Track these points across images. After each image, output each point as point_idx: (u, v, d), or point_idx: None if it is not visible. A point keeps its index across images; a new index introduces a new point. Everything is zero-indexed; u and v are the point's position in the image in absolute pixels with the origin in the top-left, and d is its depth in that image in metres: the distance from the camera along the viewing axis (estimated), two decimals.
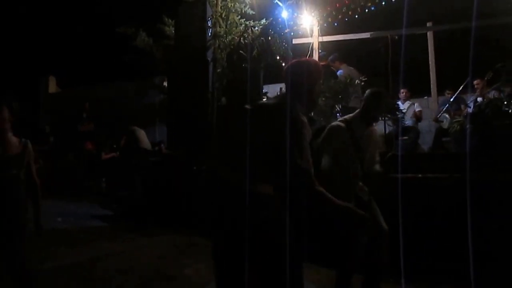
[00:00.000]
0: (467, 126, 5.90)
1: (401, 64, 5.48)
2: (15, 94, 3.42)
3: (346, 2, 8.44)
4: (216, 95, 7.57)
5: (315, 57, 8.32)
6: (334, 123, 3.61)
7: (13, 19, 15.59)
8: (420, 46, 8.89)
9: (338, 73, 7.58)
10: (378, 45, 7.50)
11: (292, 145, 2.12)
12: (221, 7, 7.75)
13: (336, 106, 6.65)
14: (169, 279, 4.34)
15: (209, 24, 7.77)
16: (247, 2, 7.82)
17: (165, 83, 9.11)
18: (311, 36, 8.72)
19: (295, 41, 8.93)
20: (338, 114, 6.53)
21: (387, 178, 3.89)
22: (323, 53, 8.56)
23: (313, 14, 8.65)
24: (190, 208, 6.23)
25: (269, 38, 8.11)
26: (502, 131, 5.30)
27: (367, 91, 3.84)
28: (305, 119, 2.25)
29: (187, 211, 6.27)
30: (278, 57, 8.03)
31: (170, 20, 8.51)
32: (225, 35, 7.77)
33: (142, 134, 8.09)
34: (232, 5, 7.79)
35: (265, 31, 8.05)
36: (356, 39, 8.92)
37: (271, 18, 8.08)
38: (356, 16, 8.51)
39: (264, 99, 2.36)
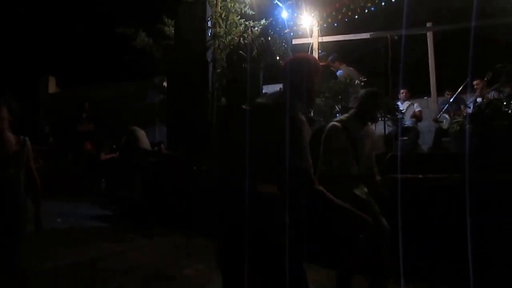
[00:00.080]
0: (467, 126, 5.90)
1: (401, 65, 5.49)
2: (14, 94, 3.41)
3: (346, 2, 8.45)
4: (216, 95, 7.57)
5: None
6: (330, 124, 3.62)
7: (13, 19, 15.59)
8: (419, 46, 8.89)
9: (338, 73, 7.58)
10: (378, 46, 7.50)
11: (291, 145, 2.12)
12: (221, 7, 7.76)
13: (336, 106, 6.65)
14: (169, 279, 4.35)
15: (208, 24, 7.77)
16: (247, 2, 7.82)
17: (165, 83, 9.11)
18: (311, 36, 8.73)
19: (295, 42, 8.94)
20: (337, 115, 6.52)
21: (386, 182, 3.89)
22: (322, 53, 8.56)
23: (312, 14, 8.66)
24: (190, 208, 6.22)
25: (269, 38, 8.12)
26: (501, 131, 5.30)
27: (362, 91, 3.85)
28: (304, 118, 2.25)
29: (187, 211, 6.27)
30: (278, 58, 8.03)
31: (170, 20, 8.51)
32: (225, 35, 7.77)
33: (142, 134, 8.09)
34: (232, 5, 7.79)
35: (265, 31, 8.05)
36: (356, 39, 8.93)
37: (271, 19, 8.09)
38: (356, 17, 8.51)
39: (262, 98, 2.35)
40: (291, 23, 8.77)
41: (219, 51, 7.74)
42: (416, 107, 8.26)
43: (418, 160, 5.47)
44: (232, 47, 7.84)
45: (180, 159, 6.90)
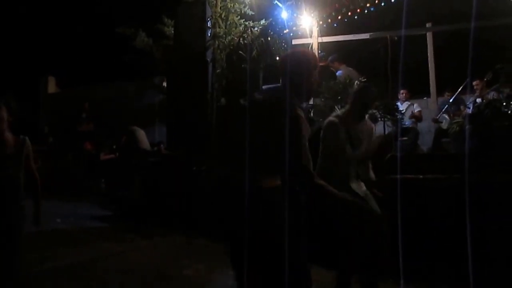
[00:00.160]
0: (467, 127, 5.90)
1: (401, 65, 5.49)
2: (14, 94, 3.42)
3: (346, 2, 8.45)
4: (215, 95, 7.58)
5: None
6: (328, 120, 3.62)
7: (13, 19, 15.58)
8: (419, 47, 8.89)
9: (338, 73, 7.58)
10: (378, 46, 7.49)
11: (289, 142, 2.13)
12: (220, 8, 7.76)
13: (336, 106, 6.64)
14: (169, 279, 4.35)
15: (208, 25, 7.77)
16: (246, 2, 7.83)
17: (165, 83, 9.12)
18: (311, 36, 8.72)
19: (294, 42, 8.93)
20: None
21: (384, 182, 3.89)
22: (322, 53, 8.56)
23: (312, 14, 8.65)
24: (190, 208, 6.23)
25: (269, 38, 8.12)
26: (501, 132, 5.31)
27: (355, 87, 3.85)
28: (302, 113, 2.26)
29: (187, 211, 6.27)
30: (277, 58, 8.02)
31: (169, 21, 8.52)
32: (224, 36, 7.78)
33: (141, 134, 8.09)
34: (232, 5, 7.80)
35: (264, 31, 8.06)
36: (356, 39, 8.92)
37: (271, 19, 8.09)
38: (356, 17, 8.52)
39: (260, 93, 2.35)
40: (291, 23, 8.77)
41: (218, 51, 7.75)
42: (416, 108, 8.26)
43: (417, 160, 5.48)
44: (231, 47, 7.85)
45: (180, 159, 6.91)
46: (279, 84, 2.52)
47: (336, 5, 8.54)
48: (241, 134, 2.19)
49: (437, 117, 7.91)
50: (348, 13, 8.49)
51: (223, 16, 7.79)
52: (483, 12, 6.55)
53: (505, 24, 7.50)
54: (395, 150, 6.12)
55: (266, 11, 8.21)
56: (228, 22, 7.84)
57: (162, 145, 8.78)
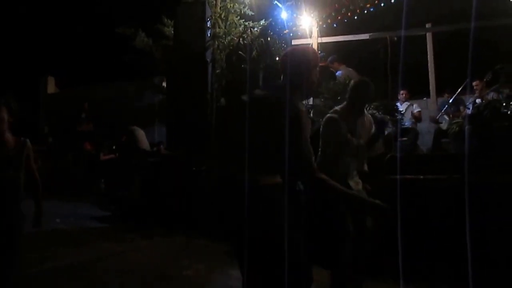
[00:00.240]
0: (466, 127, 5.90)
1: (400, 65, 5.49)
2: (14, 94, 3.41)
3: (345, 3, 8.45)
4: (215, 95, 7.58)
5: None
6: (326, 116, 3.63)
7: (12, 19, 15.58)
8: (419, 47, 8.89)
9: (337, 74, 7.59)
10: (377, 46, 7.51)
11: (292, 134, 2.14)
12: (220, 8, 7.77)
13: (335, 107, 6.64)
14: (169, 279, 4.35)
15: (208, 25, 7.78)
16: (246, 3, 7.83)
17: (164, 84, 9.12)
18: (310, 37, 8.72)
19: (294, 42, 8.92)
20: None
21: (382, 182, 3.90)
22: (322, 54, 8.56)
23: (312, 15, 8.65)
24: (190, 208, 6.23)
25: (268, 39, 8.12)
26: (501, 132, 5.31)
27: (352, 82, 3.86)
28: (304, 108, 2.27)
29: (187, 211, 6.28)
30: (277, 58, 8.02)
31: (169, 21, 8.52)
32: (224, 36, 7.78)
33: (141, 135, 8.10)
34: (232, 5, 7.80)
35: (264, 32, 8.06)
36: (355, 40, 8.92)
37: (271, 19, 8.10)
38: (355, 17, 8.52)
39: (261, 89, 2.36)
40: (291, 23, 8.77)
41: (218, 51, 7.75)
42: (416, 108, 8.26)
43: (417, 161, 5.48)
44: (231, 47, 7.85)
45: (180, 159, 6.91)
46: (279, 82, 2.53)
47: (336, 5, 8.53)
48: (241, 133, 2.19)
49: (437, 118, 7.91)
50: (348, 14, 8.49)
51: (222, 16, 7.79)
52: (483, 12, 6.56)
53: (505, 24, 7.50)
54: (395, 150, 6.13)
55: (266, 12, 8.21)
56: (228, 23, 7.85)
57: (161, 145, 8.79)
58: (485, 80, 7.12)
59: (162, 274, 4.49)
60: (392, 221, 3.35)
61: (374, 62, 7.67)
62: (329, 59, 7.91)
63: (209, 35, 7.76)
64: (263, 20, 7.90)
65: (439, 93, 8.82)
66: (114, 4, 13.13)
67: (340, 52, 8.38)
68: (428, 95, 9.11)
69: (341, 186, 2.27)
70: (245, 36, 7.84)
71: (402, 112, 7.51)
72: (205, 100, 7.42)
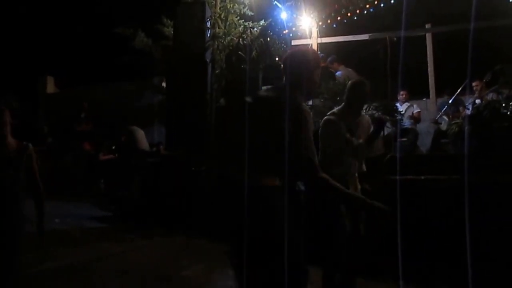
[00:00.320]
0: (466, 128, 5.91)
1: (400, 66, 5.50)
2: (13, 94, 3.42)
3: (345, 3, 8.46)
4: (214, 96, 7.57)
5: None
6: (325, 118, 3.64)
7: (12, 19, 15.56)
8: (419, 47, 8.90)
9: (337, 74, 7.60)
10: (377, 47, 7.52)
11: (295, 133, 2.14)
12: (220, 8, 7.76)
13: (335, 107, 6.64)
14: (169, 279, 4.35)
15: (208, 25, 7.77)
16: (246, 3, 7.82)
17: (164, 84, 9.11)
18: (310, 37, 8.73)
19: (294, 43, 8.92)
20: None
21: (381, 183, 3.91)
22: (322, 54, 8.56)
23: (312, 15, 8.66)
24: (190, 208, 6.23)
25: (268, 39, 8.11)
26: (500, 133, 5.32)
27: (348, 82, 3.88)
28: (307, 108, 2.27)
29: (187, 211, 6.28)
30: (277, 58, 8.02)
31: (169, 21, 8.51)
32: (224, 36, 7.78)
33: (140, 135, 8.09)
34: (231, 6, 7.79)
35: (264, 32, 8.05)
36: (355, 40, 8.93)
37: (270, 19, 8.08)
38: (355, 18, 8.53)
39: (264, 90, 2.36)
40: (290, 24, 8.77)
41: (218, 51, 7.74)
42: (415, 109, 8.27)
43: (417, 161, 5.49)
44: (231, 48, 7.85)
45: (179, 159, 6.91)
46: (281, 83, 2.53)
47: (336, 6, 8.54)
48: (241, 133, 2.19)
49: (436, 118, 7.92)
50: (347, 14, 8.50)
51: (222, 16, 7.78)
52: (482, 13, 6.56)
53: (504, 25, 7.51)
54: (395, 151, 6.13)
55: (266, 12, 8.21)
56: (228, 23, 7.84)
57: (161, 146, 8.78)
58: (484, 80, 7.14)
59: (162, 274, 4.49)
60: (392, 221, 3.36)
61: (374, 62, 7.68)
62: (329, 59, 7.92)
63: (208, 35, 7.75)
64: (263, 20, 7.89)
65: (439, 93, 8.83)
66: (114, 4, 13.11)
67: (340, 53, 8.39)
68: (427, 96, 9.13)
69: (342, 187, 2.27)
70: (245, 37, 7.83)
71: (401, 112, 7.52)
72: (205, 100, 7.42)
